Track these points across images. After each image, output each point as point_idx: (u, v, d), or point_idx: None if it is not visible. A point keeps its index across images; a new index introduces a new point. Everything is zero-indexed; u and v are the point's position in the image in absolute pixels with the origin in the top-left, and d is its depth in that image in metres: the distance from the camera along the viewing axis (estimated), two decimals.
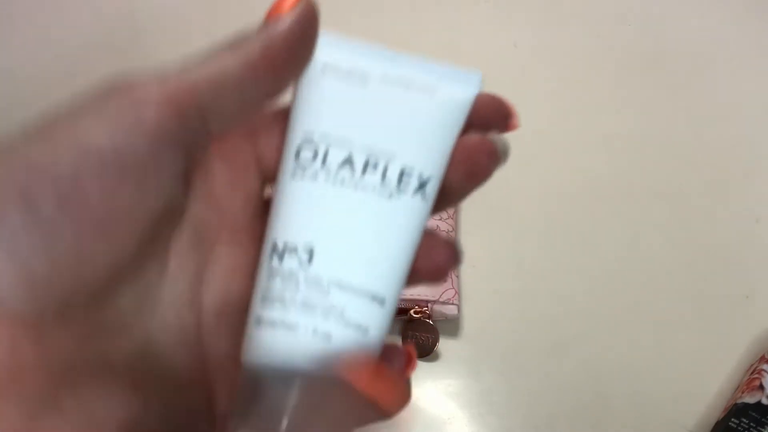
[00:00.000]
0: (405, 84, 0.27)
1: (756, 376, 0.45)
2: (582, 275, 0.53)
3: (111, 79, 0.23)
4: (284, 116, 0.27)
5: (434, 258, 0.27)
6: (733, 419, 0.43)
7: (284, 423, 0.23)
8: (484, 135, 0.27)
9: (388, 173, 0.26)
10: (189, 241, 0.25)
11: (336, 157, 0.25)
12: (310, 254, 0.25)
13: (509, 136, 0.65)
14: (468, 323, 0.51)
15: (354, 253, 0.25)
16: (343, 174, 0.25)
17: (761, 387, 0.43)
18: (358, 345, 0.25)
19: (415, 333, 0.49)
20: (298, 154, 0.26)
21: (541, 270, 0.54)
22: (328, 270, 0.25)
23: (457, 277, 0.51)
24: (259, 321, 0.25)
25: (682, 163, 0.61)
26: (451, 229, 0.53)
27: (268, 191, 0.27)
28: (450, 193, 0.27)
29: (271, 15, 0.25)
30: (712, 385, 0.47)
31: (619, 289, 0.52)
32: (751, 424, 0.42)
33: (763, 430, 0.42)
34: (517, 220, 0.57)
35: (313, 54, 0.26)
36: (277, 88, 0.25)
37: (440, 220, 0.52)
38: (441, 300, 0.49)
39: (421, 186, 0.26)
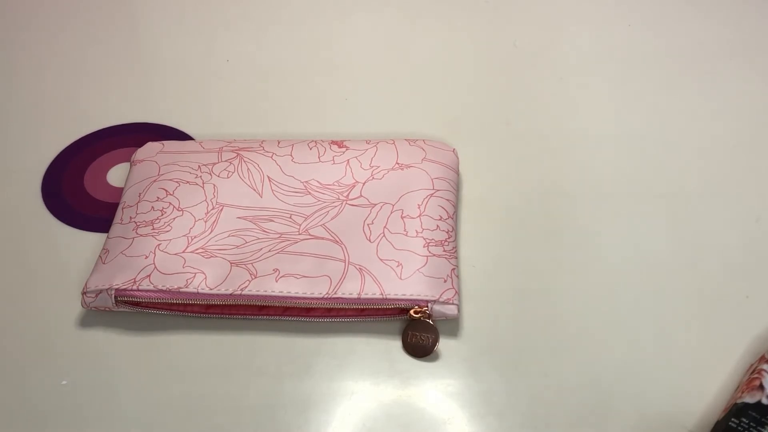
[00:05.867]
0: None
1: (756, 376, 0.45)
2: (582, 275, 0.53)
3: None
4: None
5: None
6: (733, 419, 0.43)
7: None
8: None
9: None
10: None
11: None
12: None
13: (510, 136, 0.65)
14: (468, 323, 0.51)
15: None
16: None
17: (761, 387, 0.43)
18: None
19: (415, 333, 0.49)
20: None
21: (541, 270, 0.54)
22: None
23: (457, 277, 0.51)
24: None
25: (682, 163, 0.61)
26: (450, 229, 0.53)
27: None
28: None
29: None
30: (712, 385, 0.47)
31: (619, 289, 0.52)
32: (751, 424, 0.42)
33: (763, 430, 0.42)
34: (517, 220, 0.57)
35: None
36: None
37: (440, 220, 0.53)
38: (441, 300, 0.49)
39: None
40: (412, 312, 0.49)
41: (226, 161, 0.57)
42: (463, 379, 0.48)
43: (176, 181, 0.55)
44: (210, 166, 0.56)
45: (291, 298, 0.49)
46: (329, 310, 0.49)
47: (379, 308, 0.49)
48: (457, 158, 0.58)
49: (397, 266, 0.50)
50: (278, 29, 0.74)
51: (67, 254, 0.55)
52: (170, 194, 0.54)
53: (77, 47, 0.73)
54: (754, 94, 0.67)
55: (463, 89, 0.68)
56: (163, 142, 0.60)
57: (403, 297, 0.48)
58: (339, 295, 0.48)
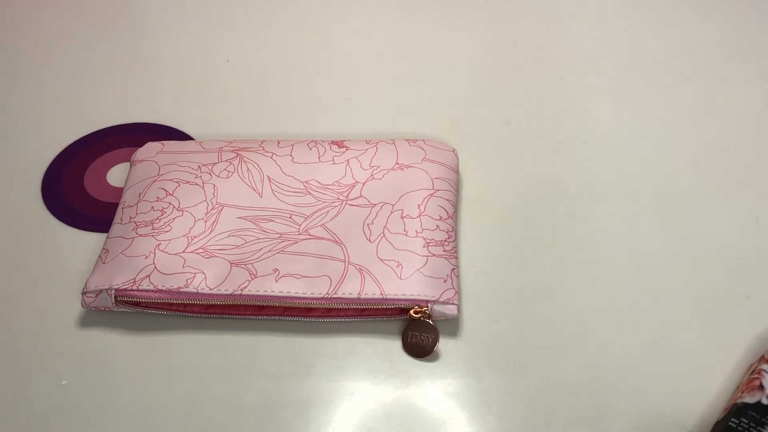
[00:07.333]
0: None
1: (756, 376, 0.45)
2: (582, 275, 0.53)
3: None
4: None
5: None
6: (732, 419, 0.43)
7: None
8: None
9: None
10: None
11: None
12: None
13: (510, 135, 0.65)
14: (468, 323, 0.51)
15: None
16: None
17: (761, 387, 0.44)
18: None
19: (415, 333, 0.49)
20: None
21: (541, 270, 0.54)
22: None
23: (457, 277, 0.51)
24: None
25: (682, 163, 0.61)
26: (450, 229, 0.53)
27: None
28: None
29: None
30: (712, 385, 0.47)
31: (619, 289, 0.52)
32: (751, 424, 0.42)
33: (763, 430, 0.42)
34: (517, 220, 0.57)
35: None
36: None
37: (440, 220, 0.53)
38: (441, 300, 0.49)
39: None
40: (412, 312, 0.49)
41: (226, 161, 0.57)
42: (463, 379, 0.48)
43: (176, 181, 0.55)
44: (210, 166, 0.56)
45: (291, 298, 0.49)
46: (329, 310, 0.49)
47: (379, 308, 0.49)
48: (457, 158, 0.58)
49: (397, 266, 0.50)
50: (278, 29, 0.74)
51: (67, 254, 0.55)
52: (170, 194, 0.54)
53: (77, 47, 0.73)
54: (754, 94, 0.67)
55: (463, 89, 0.68)
56: (163, 142, 0.60)
57: (403, 297, 0.48)
58: (339, 295, 0.48)
